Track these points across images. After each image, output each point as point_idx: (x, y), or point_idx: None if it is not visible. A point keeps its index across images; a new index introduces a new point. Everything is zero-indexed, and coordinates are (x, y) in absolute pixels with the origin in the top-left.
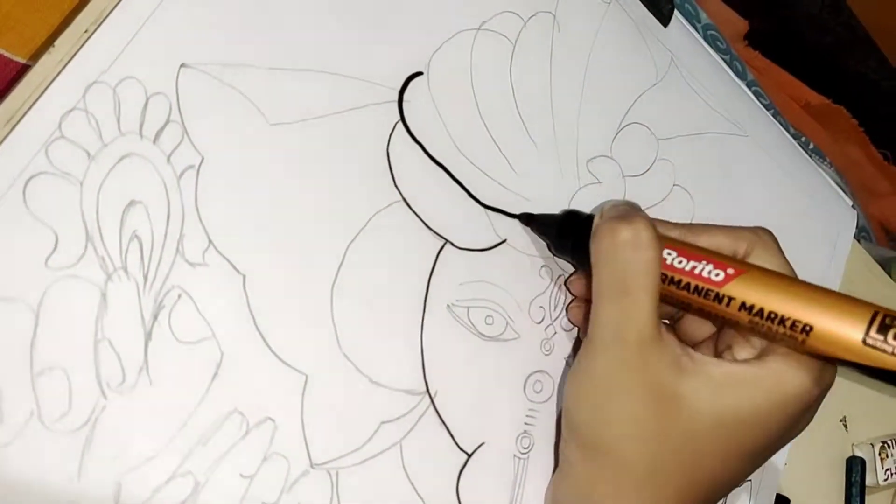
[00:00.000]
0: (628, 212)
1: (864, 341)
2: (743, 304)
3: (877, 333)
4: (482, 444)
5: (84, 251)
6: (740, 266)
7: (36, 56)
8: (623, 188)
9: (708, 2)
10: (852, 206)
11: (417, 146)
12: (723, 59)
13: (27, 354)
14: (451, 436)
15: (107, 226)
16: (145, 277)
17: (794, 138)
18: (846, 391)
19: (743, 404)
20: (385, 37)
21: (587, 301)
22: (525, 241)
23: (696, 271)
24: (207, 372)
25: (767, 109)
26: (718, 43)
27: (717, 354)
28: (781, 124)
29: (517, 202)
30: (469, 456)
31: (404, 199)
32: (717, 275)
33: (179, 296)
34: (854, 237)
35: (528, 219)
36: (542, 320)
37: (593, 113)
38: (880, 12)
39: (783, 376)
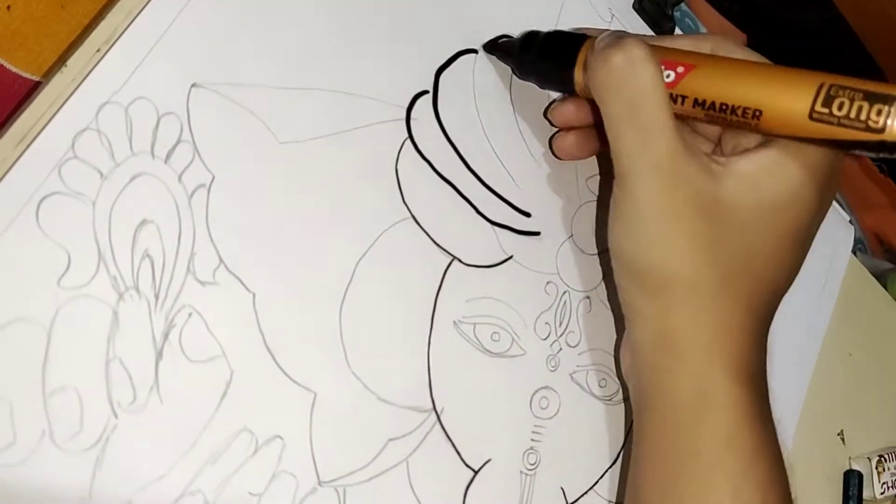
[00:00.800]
0: (617, 37)
1: (810, 116)
2: (695, 101)
3: (822, 107)
4: (488, 460)
5: (96, 271)
6: (690, 62)
7: (47, 74)
8: None
9: (708, 16)
10: (850, 221)
11: (426, 163)
12: None
13: (39, 374)
14: (458, 452)
15: (119, 245)
16: (156, 296)
17: None
18: (844, 405)
19: (780, 187)
20: (392, 56)
21: (572, 129)
22: (531, 258)
23: None
24: (217, 390)
25: None
26: None
27: (731, 154)
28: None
29: (522, 219)
30: (475, 472)
31: (413, 216)
32: (668, 76)
33: (190, 315)
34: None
35: (491, 47)
36: (548, 336)
37: None
38: (878, 27)
39: (803, 149)
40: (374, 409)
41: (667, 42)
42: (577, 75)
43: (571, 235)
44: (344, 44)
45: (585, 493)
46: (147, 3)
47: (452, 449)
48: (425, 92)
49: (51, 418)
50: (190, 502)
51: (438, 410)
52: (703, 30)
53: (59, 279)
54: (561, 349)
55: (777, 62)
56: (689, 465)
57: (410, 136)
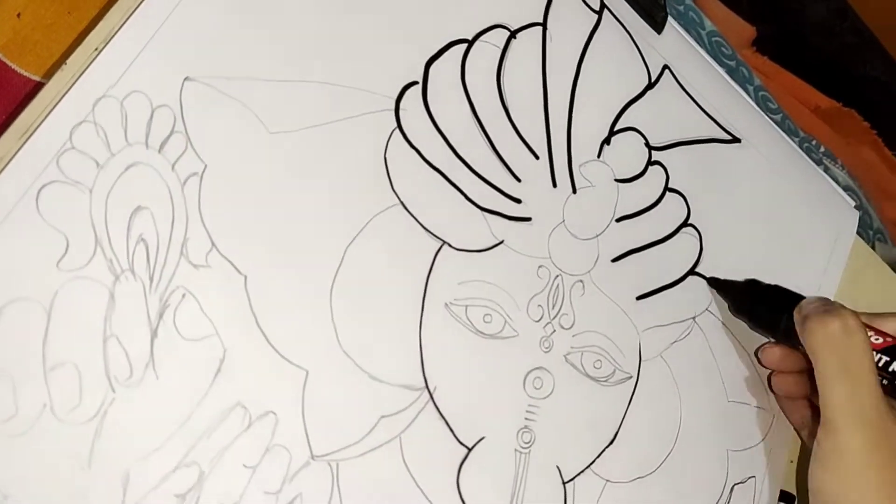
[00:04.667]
0: (831, 305)
1: None
2: None
3: None
4: (482, 438)
5: (93, 254)
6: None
7: (50, 74)
8: (616, 192)
9: (713, 9)
10: (858, 206)
11: (414, 152)
12: (728, 64)
13: (40, 351)
14: (451, 430)
15: (115, 230)
16: (151, 278)
17: (804, 142)
18: None
19: None
20: (381, 48)
21: (782, 373)
22: (522, 243)
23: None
24: (211, 367)
25: (776, 114)
26: (724, 49)
27: None
28: (790, 129)
29: (513, 205)
30: (469, 450)
31: (402, 203)
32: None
33: (184, 295)
34: (870, 240)
35: (715, 283)
36: (541, 318)
37: (586, 118)
38: (886, 16)
39: None
40: (365, 386)
41: (889, 318)
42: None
43: (563, 221)
44: (334, 36)
45: (582, 472)
46: (141, 2)
47: (446, 426)
48: (415, 83)
49: (51, 392)
50: (186, 474)
51: (431, 389)
52: (706, 22)
53: (58, 262)
54: (554, 331)
55: (786, 53)
56: None
57: (399, 126)
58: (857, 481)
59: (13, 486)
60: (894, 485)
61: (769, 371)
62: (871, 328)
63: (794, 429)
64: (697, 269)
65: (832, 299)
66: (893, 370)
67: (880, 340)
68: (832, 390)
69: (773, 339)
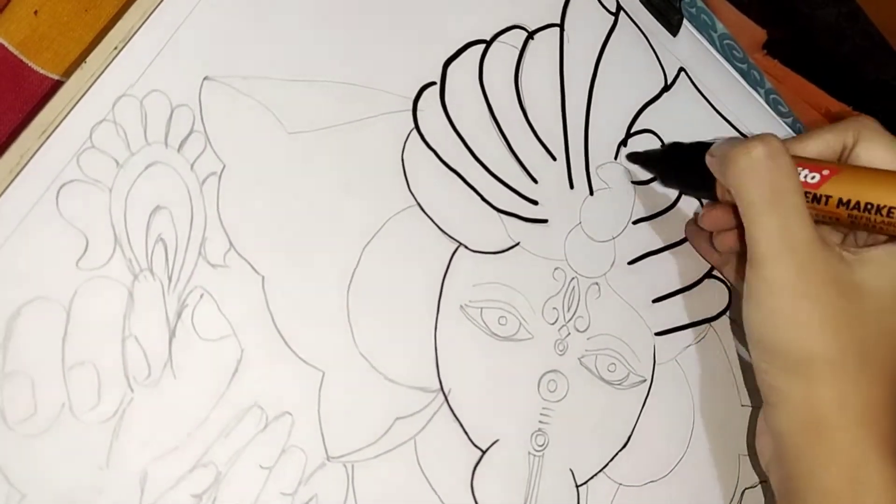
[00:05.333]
0: (750, 137)
1: None
2: (840, 201)
3: None
4: (496, 440)
5: (112, 253)
6: (834, 167)
7: (69, 72)
8: (633, 194)
9: (725, 12)
10: None
11: (431, 153)
12: (740, 67)
13: (59, 349)
14: (466, 432)
15: (134, 230)
16: (170, 278)
17: None
18: None
19: None
20: (399, 48)
21: (722, 231)
22: (538, 244)
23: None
24: (228, 368)
25: (786, 118)
26: (735, 52)
27: (862, 245)
28: (801, 132)
29: (529, 206)
30: (483, 452)
31: (418, 204)
32: (814, 177)
33: (202, 296)
34: None
35: (634, 157)
36: (556, 321)
37: (603, 120)
38: None
39: None
40: (381, 388)
41: (811, 142)
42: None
43: (580, 223)
44: (352, 36)
45: (595, 475)
46: (161, 1)
47: (460, 428)
48: (433, 83)
49: (70, 391)
50: (203, 474)
51: (446, 391)
52: (718, 24)
53: (77, 261)
54: (569, 334)
55: (797, 56)
56: None
57: (417, 127)
58: (792, 314)
59: (31, 485)
60: (832, 321)
61: (709, 232)
62: (811, 163)
63: (730, 283)
64: (714, 273)
65: None
66: (819, 197)
67: (817, 178)
68: (759, 222)
69: (708, 199)
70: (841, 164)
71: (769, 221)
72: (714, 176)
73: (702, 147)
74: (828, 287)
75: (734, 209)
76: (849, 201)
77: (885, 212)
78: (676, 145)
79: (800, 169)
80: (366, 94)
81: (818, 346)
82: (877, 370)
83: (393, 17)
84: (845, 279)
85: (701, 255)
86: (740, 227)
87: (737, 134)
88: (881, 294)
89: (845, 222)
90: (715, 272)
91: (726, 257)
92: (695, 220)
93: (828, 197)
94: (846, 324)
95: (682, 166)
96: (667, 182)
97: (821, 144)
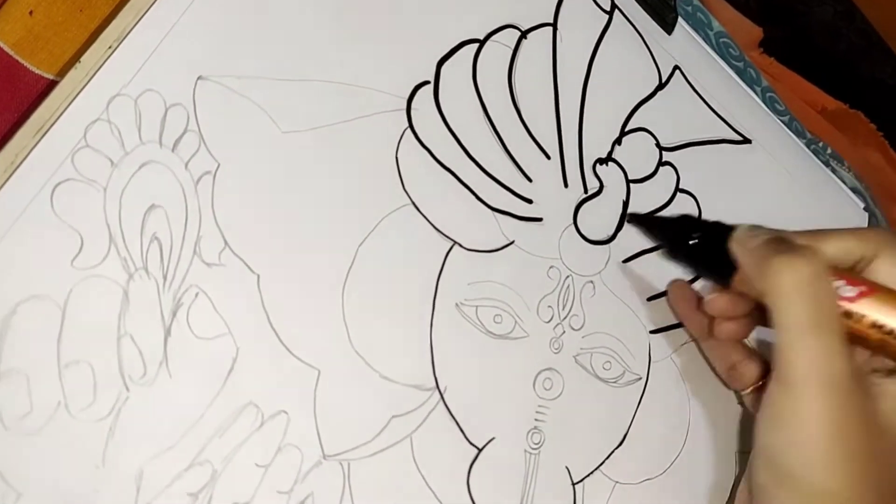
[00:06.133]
0: (787, 240)
1: None
2: (874, 323)
3: None
4: (492, 438)
5: (107, 252)
6: (870, 284)
7: (64, 72)
8: (627, 193)
9: (721, 10)
10: (865, 208)
11: (425, 151)
12: (736, 66)
13: (55, 348)
14: (461, 430)
15: (128, 228)
16: (165, 277)
17: (811, 143)
18: None
19: None
20: (393, 48)
21: (729, 319)
22: (533, 243)
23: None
24: (224, 366)
25: (783, 115)
26: (731, 50)
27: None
28: (797, 130)
29: (524, 205)
30: (479, 450)
31: (413, 203)
32: (850, 292)
33: (197, 294)
34: None
35: (637, 219)
36: (551, 319)
37: (598, 118)
38: (893, 19)
39: None
40: (376, 386)
41: (829, 238)
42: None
43: (574, 222)
44: (346, 36)
45: (591, 473)
46: (155, 1)
47: (456, 426)
48: (427, 82)
49: (65, 390)
50: (199, 472)
51: (441, 389)
52: (714, 22)
53: (72, 260)
54: (564, 332)
55: (793, 54)
56: None
57: (411, 126)
58: (817, 449)
59: (26, 483)
60: (856, 458)
61: (709, 318)
62: (849, 275)
63: (715, 372)
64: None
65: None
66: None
67: (854, 292)
68: (798, 346)
69: (714, 282)
70: (875, 283)
71: (811, 347)
72: (733, 264)
73: (722, 230)
74: (858, 425)
75: (746, 299)
76: (883, 325)
77: None
78: (689, 219)
79: (836, 281)
80: (360, 93)
81: (838, 485)
82: None
83: (387, 17)
84: (872, 415)
85: (678, 317)
86: (749, 318)
87: (731, 132)
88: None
89: (872, 344)
90: None
91: (726, 350)
92: (681, 285)
93: (862, 315)
94: (866, 464)
95: (698, 246)
96: (675, 255)
97: (840, 249)
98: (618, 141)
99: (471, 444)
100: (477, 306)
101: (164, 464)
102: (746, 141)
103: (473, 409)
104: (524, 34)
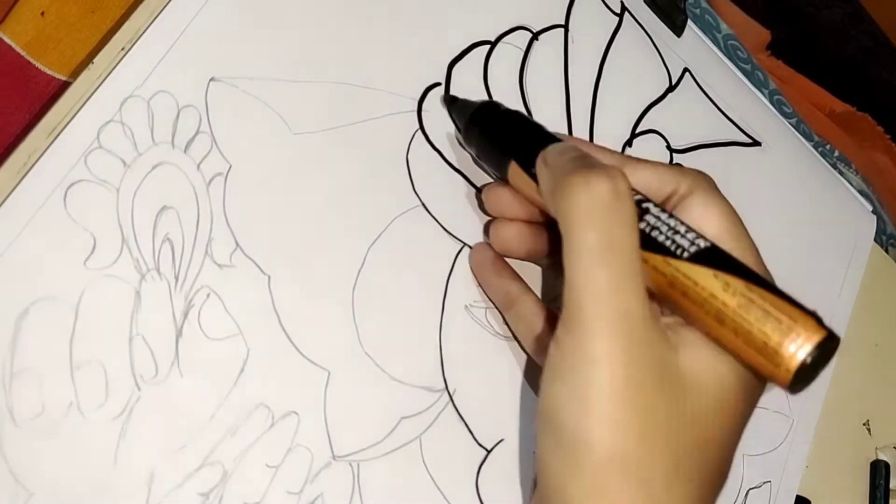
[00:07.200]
0: (592, 159)
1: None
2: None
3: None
4: (501, 440)
5: (120, 253)
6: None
7: (76, 73)
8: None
9: (729, 13)
10: (872, 211)
11: (436, 153)
12: (744, 68)
13: (67, 348)
14: (471, 432)
15: (141, 229)
16: (176, 278)
17: (819, 146)
18: (870, 395)
19: (740, 367)
20: (404, 50)
21: (511, 220)
22: None
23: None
24: (235, 367)
25: (791, 118)
26: (739, 52)
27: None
28: (805, 133)
29: None
30: (488, 452)
31: (423, 204)
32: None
33: (208, 295)
34: (884, 245)
35: (449, 101)
36: None
37: (608, 120)
38: None
39: None
40: (386, 387)
41: (643, 171)
42: (515, 173)
43: None
44: (357, 37)
45: None
46: (168, 2)
47: (465, 428)
48: (437, 84)
49: (78, 390)
50: (210, 472)
51: (451, 391)
52: (722, 25)
53: (85, 260)
54: None
55: (801, 57)
56: None
57: (421, 127)
58: (604, 399)
59: (38, 483)
60: (649, 413)
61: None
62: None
63: (520, 344)
64: None
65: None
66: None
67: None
68: (588, 276)
69: (499, 178)
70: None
71: (600, 277)
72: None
73: (522, 122)
74: (654, 376)
75: (526, 204)
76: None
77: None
78: (495, 106)
79: (650, 204)
80: (371, 94)
81: (628, 445)
82: (686, 485)
83: (398, 19)
84: (671, 368)
85: (479, 283)
86: (532, 234)
87: (741, 135)
88: (705, 390)
89: (658, 286)
90: None
91: (507, 297)
92: (482, 247)
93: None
94: (664, 421)
95: (493, 134)
96: (468, 141)
97: (652, 179)
98: (628, 143)
99: (480, 445)
100: (486, 308)
101: (175, 464)
102: (756, 143)
103: (483, 410)
104: (535, 36)
